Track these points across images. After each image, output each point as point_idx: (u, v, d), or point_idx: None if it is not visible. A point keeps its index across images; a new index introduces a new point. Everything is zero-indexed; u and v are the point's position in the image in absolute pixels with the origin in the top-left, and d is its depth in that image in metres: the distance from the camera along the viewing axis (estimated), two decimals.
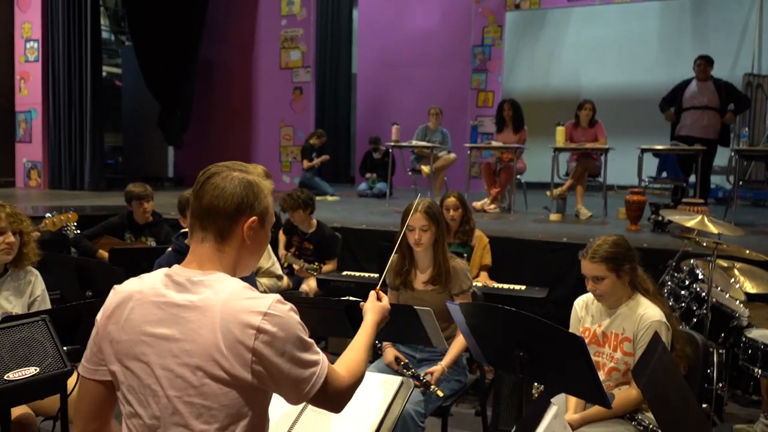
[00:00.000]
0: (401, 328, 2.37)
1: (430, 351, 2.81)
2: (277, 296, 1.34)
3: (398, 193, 7.83)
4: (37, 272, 2.61)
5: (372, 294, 1.78)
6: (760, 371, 2.90)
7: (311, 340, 1.35)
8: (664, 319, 2.27)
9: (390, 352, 2.80)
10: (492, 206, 6.67)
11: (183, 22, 8.92)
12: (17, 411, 2.10)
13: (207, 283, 1.33)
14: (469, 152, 6.91)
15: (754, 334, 2.98)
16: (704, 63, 6.28)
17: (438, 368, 2.64)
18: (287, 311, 1.32)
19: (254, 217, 1.41)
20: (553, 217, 6.11)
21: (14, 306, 2.50)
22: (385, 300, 1.77)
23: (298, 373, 1.32)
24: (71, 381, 1.98)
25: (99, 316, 1.41)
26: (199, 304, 1.31)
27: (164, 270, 1.40)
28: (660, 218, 5.02)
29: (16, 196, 7.65)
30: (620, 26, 10.52)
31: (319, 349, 1.37)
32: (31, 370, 1.61)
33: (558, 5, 9.74)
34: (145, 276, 1.43)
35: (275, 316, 1.29)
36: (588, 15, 10.59)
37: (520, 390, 3.44)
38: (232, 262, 1.40)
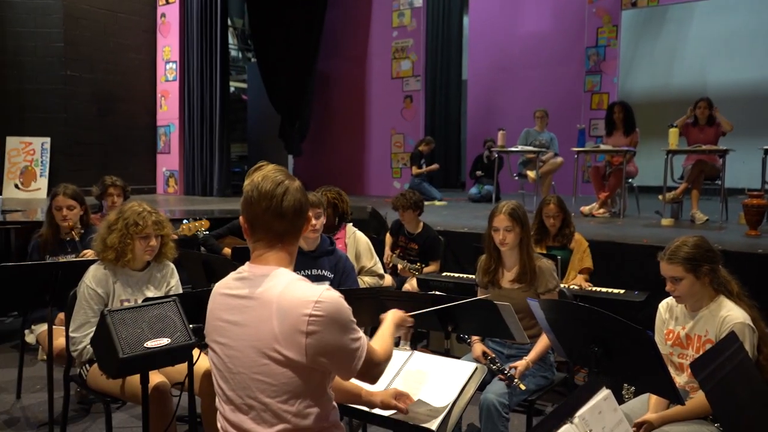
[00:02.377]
0: (484, 321, 2.53)
1: (518, 347, 2.93)
2: (326, 285, 1.56)
3: (505, 198, 7.81)
4: (173, 266, 3.04)
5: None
6: None
7: (354, 320, 1.55)
8: (749, 321, 2.25)
9: (478, 346, 2.95)
10: (601, 211, 6.55)
11: (302, 39, 9.51)
12: (154, 378, 2.50)
13: (268, 278, 1.56)
14: (576, 156, 6.83)
15: None
16: None
17: (522, 363, 2.75)
18: (336, 298, 1.53)
19: (310, 214, 1.70)
20: (665, 222, 5.91)
21: (154, 294, 2.93)
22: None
23: (348, 351, 1.52)
24: (196, 354, 2.34)
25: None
26: (259, 295, 1.55)
27: (240, 267, 1.67)
28: None
29: (157, 201, 8.56)
30: (751, 17, 9.84)
31: (359, 330, 1.58)
32: (164, 341, 1.96)
33: (679, 0, 9.31)
34: (226, 278, 1.71)
35: (324, 303, 1.49)
36: (714, 7, 9.99)
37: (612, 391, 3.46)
38: (290, 253, 1.65)
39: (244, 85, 11.92)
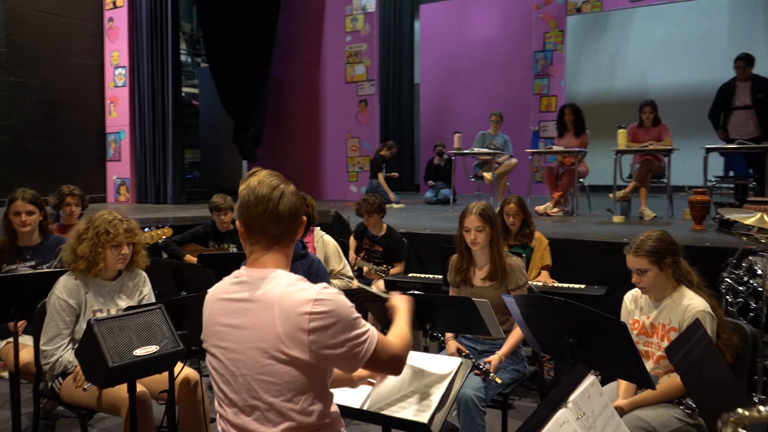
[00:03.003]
0: (462, 319, 2.61)
1: (491, 343, 3.03)
2: (324, 284, 1.60)
3: (462, 200, 8.03)
4: (145, 274, 3.01)
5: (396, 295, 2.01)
6: None
7: (359, 314, 1.60)
8: (709, 309, 2.41)
9: (452, 344, 3.04)
10: (555, 210, 6.77)
11: (255, 43, 9.46)
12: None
13: (267, 280, 1.60)
14: (530, 157, 7.03)
15: None
16: (744, 63, 6.24)
17: (496, 357, 2.85)
18: (335, 294, 1.58)
19: (305, 218, 1.73)
20: (616, 219, 6.16)
21: (126, 304, 2.89)
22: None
23: (350, 345, 1.56)
24: (178, 366, 2.33)
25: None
26: (260, 298, 1.58)
27: (235, 272, 1.70)
28: (726, 218, 5.02)
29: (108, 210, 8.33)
30: (687, 24, 10.35)
31: (366, 322, 1.62)
32: (153, 348, 1.96)
33: (621, 6, 9.69)
34: (221, 282, 1.74)
35: (324, 300, 1.54)
36: (653, 14, 10.47)
37: None
38: (287, 255, 1.68)
39: (194, 91, 11.74)
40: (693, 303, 2.43)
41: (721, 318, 2.46)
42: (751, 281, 3.36)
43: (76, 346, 2.77)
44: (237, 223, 1.69)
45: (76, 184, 4.71)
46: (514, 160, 7.49)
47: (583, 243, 4.83)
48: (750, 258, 3.57)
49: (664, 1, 9.31)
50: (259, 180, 1.65)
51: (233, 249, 4.91)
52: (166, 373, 2.28)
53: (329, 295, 1.56)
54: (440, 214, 7.18)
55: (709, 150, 6.04)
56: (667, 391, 2.39)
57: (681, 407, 2.41)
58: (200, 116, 11.43)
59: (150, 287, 3.04)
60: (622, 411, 2.40)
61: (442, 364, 2.06)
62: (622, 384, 2.55)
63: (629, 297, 2.68)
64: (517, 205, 4.31)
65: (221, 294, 1.68)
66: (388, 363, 1.66)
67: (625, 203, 6.46)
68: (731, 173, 6.85)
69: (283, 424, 1.56)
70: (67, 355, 2.74)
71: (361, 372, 1.91)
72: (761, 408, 1.22)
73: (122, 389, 2.46)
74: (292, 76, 10.24)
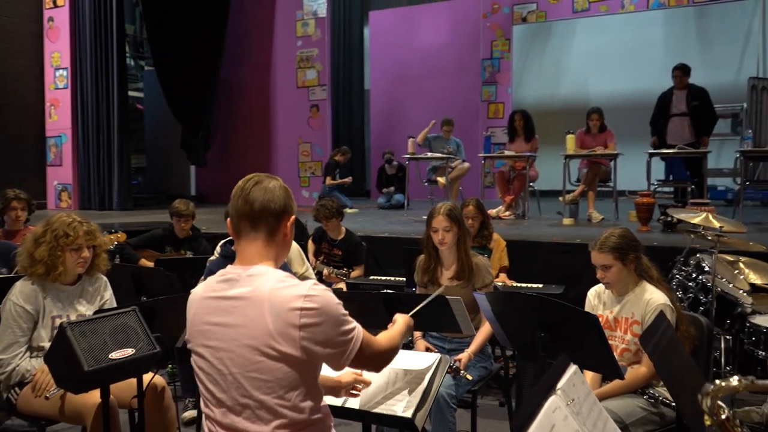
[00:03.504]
0: (434, 316, 2.64)
1: (458, 342, 3.08)
2: (314, 280, 1.63)
3: (415, 205, 8.12)
4: (105, 279, 2.92)
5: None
6: (763, 353, 3.13)
7: (346, 312, 1.62)
8: (669, 303, 2.53)
9: (421, 343, 3.07)
10: (507, 213, 6.93)
11: (203, 45, 9.31)
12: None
13: (255, 277, 1.59)
14: (483, 162, 7.18)
15: (758, 320, 3.22)
16: (680, 73, 6.59)
17: (465, 354, 2.90)
18: (324, 291, 1.59)
19: (293, 216, 1.71)
20: (566, 221, 6.36)
21: (87, 309, 2.79)
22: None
23: (340, 340, 1.58)
24: (146, 377, 2.28)
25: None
26: (249, 295, 1.57)
27: (221, 270, 1.69)
28: (669, 218, 5.26)
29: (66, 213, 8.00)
30: (625, 35, 10.78)
31: (353, 319, 1.64)
32: (129, 351, 1.91)
33: (563, 17, 10.03)
34: (208, 279, 1.73)
35: (314, 296, 1.55)
36: (593, 25, 10.86)
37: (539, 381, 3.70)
38: (276, 255, 1.68)
39: (139, 94, 11.45)
40: (654, 297, 2.54)
41: (680, 311, 2.58)
42: (700, 277, 3.54)
43: (35, 354, 2.67)
44: (227, 221, 1.68)
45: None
46: (466, 164, 7.62)
47: (538, 244, 4.97)
48: (698, 255, 3.76)
49: (604, 13, 9.67)
50: (248, 179, 1.67)
51: (190, 255, 4.81)
52: (131, 381, 2.23)
53: (319, 292, 1.56)
54: (395, 218, 7.23)
55: (651, 155, 6.32)
56: (631, 382, 2.49)
57: (645, 397, 2.52)
58: (145, 120, 11.15)
59: (111, 292, 2.95)
60: None
61: (421, 361, 2.09)
62: (587, 377, 2.64)
63: (593, 293, 2.78)
64: (475, 207, 4.39)
65: (208, 293, 1.66)
66: (371, 359, 1.69)
67: (573, 206, 6.67)
68: (671, 177, 7.17)
69: (275, 422, 1.55)
70: (25, 364, 2.63)
71: (345, 377, 1.92)
72: (735, 378, 1.31)
73: (87, 397, 2.38)
74: (242, 79, 10.12)
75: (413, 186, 8.24)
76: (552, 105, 11.22)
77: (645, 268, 2.63)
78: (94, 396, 2.31)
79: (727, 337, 3.39)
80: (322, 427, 1.64)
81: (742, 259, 3.94)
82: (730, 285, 3.49)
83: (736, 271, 3.77)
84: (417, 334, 3.13)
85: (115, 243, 4.51)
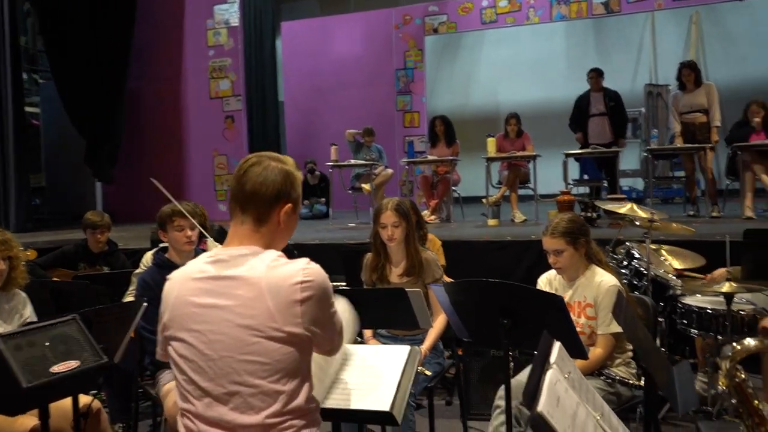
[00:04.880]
0: (389, 312, 2.57)
1: (411, 339, 3.02)
2: (307, 258, 1.54)
3: (338, 214, 8.03)
4: (24, 294, 2.64)
5: None
6: (695, 332, 3.29)
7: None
8: (619, 284, 2.59)
9: (372, 342, 2.99)
10: (432, 217, 6.98)
11: (106, 56, 8.82)
12: (27, 422, 2.14)
13: (248, 256, 1.51)
14: (407, 167, 7.21)
15: (688, 300, 3.38)
16: (595, 75, 6.98)
17: (422, 349, 2.84)
18: (319, 267, 1.53)
19: (290, 204, 1.60)
20: (491, 222, 6.48)
21: (3, 329, 2.51)
22: None
23: (334, 322, 1.54)
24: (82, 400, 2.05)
25: (161, 306, 1.58)
26: (245, 275, 1.48)
27: (207, 253, 1.59)
28: (590, 214, 5.48)
29: None
30: (531, 46, 11.27)
31: None
32: (73, 364, 1.70)
33: (473, 28, 10.32)
34: (188, 263, 1.61)
35: (312, 270, 1.50)
36: (500, 36, 11.27)
37: (488, 377, 3.72)
38: (266, 242, 1.58)
39: (34, 110, 10.67)
40: (605, 279, 2.60)
41: (627, 292, 2.66)
42: (633, 262, 3.68)
43: None
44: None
45: None
46: (389, 171, 7.65)
47: (470, 243, 5.02)
48: (627, 244, 3.92)
49: (510, 24, 10.04)
50: (251, 160, 1.60)
51: (107, 271, 4.48)
52: (64, 405, 2.01)
53: (314, 266, 1.52)
54: (321, 227, 7.12)
55: (568, 155, 6.58)
56: (588, 364, 2.52)
57: (601, 378, 2.56)
58: (42, 137, 10.39)
59: (32, 309, 2.67)
60: None
61: (392, 354, 2.01)
62: None
63: (543, 280, 2.81)
64: (410, 208, 4.36)
65: (194, 273, 1.53)
66: (339, 340, 1.65)
67: (496, 208, 6.82)
68: (585, 177, 7.50)
69: (269, 409, 1.44)
70: None
71: None
72: (751, 340, 1.33)
73: (15, 423, 2.12)
74: (152, 91, 9.66)
75: (336, 195, 8.16)
76: (464, 114, 11.48)
77: (594, 252, 2.69)
78: (25, 422, 2.06)
79: (660, 319, 3.53)
80: (315, 418, 1.53)
81: (664, 247, 4.15)
82: (661, 270, 3.65)
83: (661, 258, 3.95)
84: (368, 333, 3.05)
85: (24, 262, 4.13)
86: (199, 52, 9.39)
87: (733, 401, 1.37)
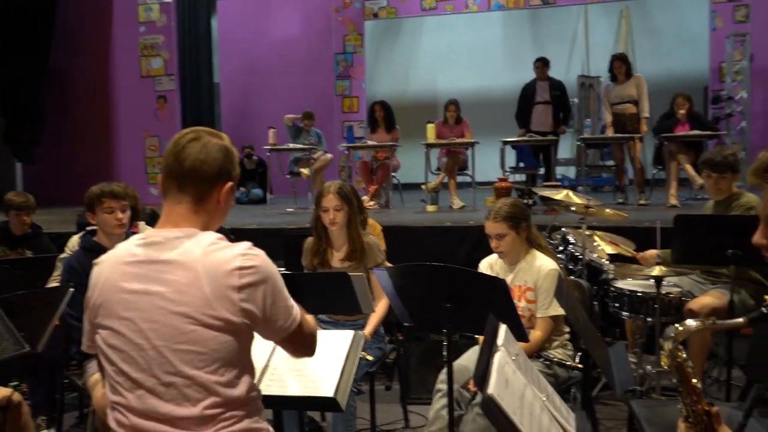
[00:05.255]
0: (331, 297, 2.53)
1: (351, 324, 2.99)
2: (249, 243, 1.46)
3: (275, 199, 7.89)
4: None
5: None
6: (626, 314, 3.40)
7: (282, 281, 1.48)
8: (558, 268, 2.64)
9: None
10: (371, 203, 6.95)
11: (28, 31, 8.32)
12: None
13: (183, 239, 1.42)
14: (346, 152, 7.15)
15: (620, 284, 3.49)
16: (541, 64, 7.13)
17: (365, 334, 2.81)
18: (262, 252, 1.45)
19: (231, 183, 1.52)
20: (430, 208, 6.53)
21: None
22: None
23: (282, 305, 1.45)
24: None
25: (87, 292, 1.49)
26: (180, 259, 1.39)
27: (138, 235, 1.49)
28: (526, 201, 5.59)
29: None
30: (469, 35, 11.36)
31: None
32: None
33: (412, 14, 10.30)
34: (118, 245, 1.51)
35: (253, 256, 1.41)
36: (440, 24, 11.31)
37: (427, 361, 3.74)
38: (204, 223, 1.49)
39: None
40: (545, 263, 2.64)
41: (565, 276, 2.71)
42: (569, 247, 3.77)
43: None
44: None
45: None
46: (329, 155, 7.56)
47: (410, 229, 5.02)
48: (562, 229, 4.01)
49: (450, 12, 10.08)
50: (185, 134, 1.50)
51: (29, 255, 4.23)
52: None
53: (257, 251, 1.43)
54: (259, 212, 6.98)
55: (505, 143, 6.69)
56: (528, 347, 2.55)
57: (540, 360, 2.60)
58: None
59: None
60: None
61: (334, 339, 1.97)
62: None
63: (485, 264, 2.83)
64: (350, 192, 4.32)
65: (124, 257, 1.43)
66: (309, 340, 1.56)
67: (435, 194, 6.86)
68: (521, 165, 7.65)
69: (205, 401, 1.36)
70: None
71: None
72: (692, 321, 1.38)
73: None
74: (79, 68, 9.16)
75: (274, 180, 8.01)
76: (403, 100, 11.47)
77: (534, 236, 2.73)
78: None
79: (594, 302, 3.63)
80: (256, 407, 1.47)
81: (597, 233, 4.27)
82: (594, 255, 3.76)
83: (595, 243, 4.07)
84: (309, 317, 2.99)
85: None
86: (129, 28, 8.98)
87: (674, 380, 1.41)
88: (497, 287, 2.14)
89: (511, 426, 1.16)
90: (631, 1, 10.28)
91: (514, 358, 1.44)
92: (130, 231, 3.03)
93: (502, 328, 1.58)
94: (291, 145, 7.18)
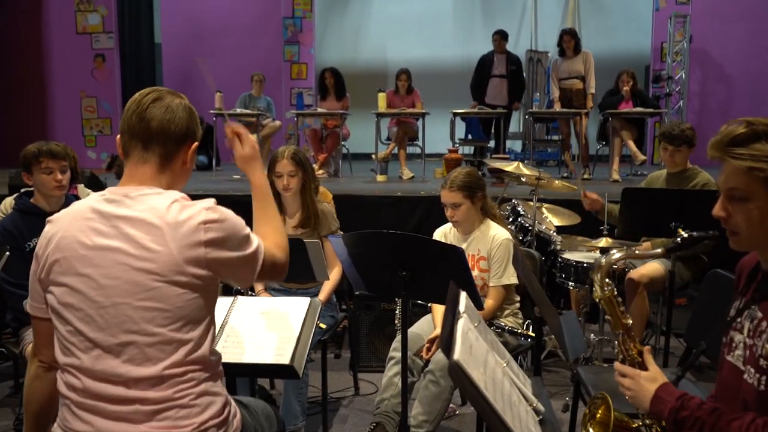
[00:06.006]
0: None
1: (303, 292, 2.96)
2: (213, 199, 1.43)
3: (223, 165, 7.69)
4: None
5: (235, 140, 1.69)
6: (572, 284, 3.49)
7: (246, 226, 1.47)
8: (511, 238, 2.67)
9: (264, 294, 2.89)
10: (320, 171, 6.86)
11: None
12: None
13: (147, 196, 1.38)
14: (295, 119, 7.02)
15: (567, 255, 3.57)
16: (499, 37, 7.15)
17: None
18: (226, 209, 1.43)
19: (196, 143, 1.50)
20: (380, 178, 6.50)
21: None
22: (250, 140, 1.71)
23: (248, 251, 1.43)
24: None
25: (37, 249, 1.42)
26: (143, 216, 1.35)
27: (98, 193, 1.43)
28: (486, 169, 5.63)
29: None
30: (420, 4, 11.26)
31: (251, 233, 1.48)
32: None
33: None
34: (74, 203, 1.46)
35: (216, 209, 1.40)
36: None
37: (377, 329, 3.75)
38: (169, 183, 1.46)
39: None
40: (499, 233, 2.67)
41: (518, 246, 2.75)
42: (519, 219, 3.82)
43: None
44: (117, 138, 1.45)
45: None
46: (277, 123, 7.41)
47: (362, 198, 4.99)
48: (513, 201, 4.06)
49: None
50: (145, 92, 1.45)
51: None
52: None
53: (220, 207, 1.41)
54: (204, 178, 6.79)
55: (455, 114, 6.70)
56: (481, 314, 2.58)
57: (492, 327, 2.63)
58: None
59: None
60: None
61: (292, 306, 1.94)
62: (438, 314, 2.70)
63: (439, 234, 2.83)
64: (304, 157, 4.25)
65: (85, 213, 1.37)
66: (276, 270, 1.55)
67: (384, 164, 6.84)
68: (470, 137, 7.69)
69: (166, 361, 1.32)
70: None
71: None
72: (615, 251, 1.51)
73: None
74: (7, 24, 8.60)
75: (220, 146, 7.80)
76: (353, 68, 11.28)
77: (489, 206, 2.75)
78: None
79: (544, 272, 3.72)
80: (217, 371, 1.44)
81: (544, 205, 4.35)
82: (543, 226, 3.83)
83: (543, 215, 4.15)
84: (258, 286, 2.94)
85: None
86: None
87: (607, 317, 1.52)
88: (455, 255, 2.14)
89: (477, 391, 1.16)
90: None
91: (476, 324, 1.45)
92: (70, 194, 2.89)
93: (463, 295, 1.58)
94: (238, 110, 6.98)
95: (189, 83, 10.38)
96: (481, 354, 1.35)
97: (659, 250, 1.53)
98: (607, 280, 1.52)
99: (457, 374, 1.16)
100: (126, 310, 1.31)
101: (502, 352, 1.58)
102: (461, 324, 1.38)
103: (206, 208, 1.38)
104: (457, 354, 1.20)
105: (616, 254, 1.54)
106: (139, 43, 10.90)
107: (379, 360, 3.65)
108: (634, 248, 1.61)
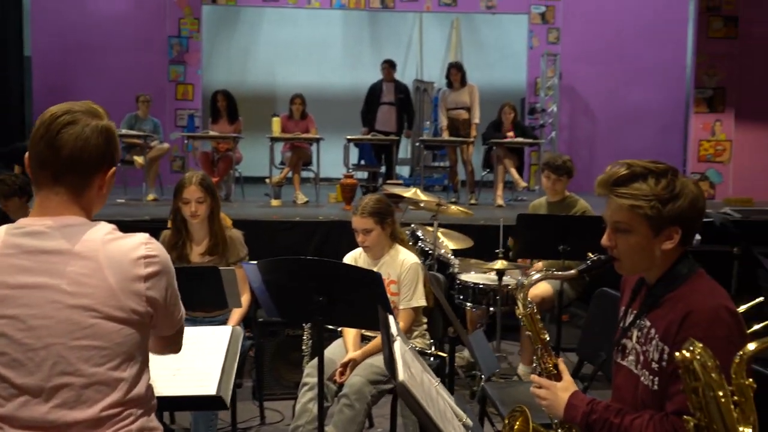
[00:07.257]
0: (197, 292, 2.42)
1: (210, 320, 2.90)
2: (147, 234, 1.40)
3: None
4: None
5: None
6: (470, 305, 3.68)
7: None
8: (419, 262, 2.79)
9: None
10: None
11: None
12: None
13: (75, 227, 1.31)
14: (186, 141, 6.83)
15: (464, 276, 3.76)
16: (388, 66, 7.42)
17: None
18: (160, 244, 1.41)
19: (113, 168, 1.41)
20: (274, 203, 6.46)
21: None
22: None
23: (177, 295, 1.43)
24: None
25: None
26: (76, 249, 1.28)
27: (9, 225, 1.34)
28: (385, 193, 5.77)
29: None
30: (309, 30, 11.36)
31: None
32: None
33: (252, 4, 10.10)
34: None
35: (155, 245, 1.37)
36: (280, 16, 11.16)
37: (281, 356, 3.73)
38: (86, 206, 1.38)
39: None
40: (407, 257, 2.78)
41: (425, 270, 2.87)
42: (419, 244, 3.97)
43: None
44: (25, 158, 1.34)
45: None
46: (166, 145, 7.16)
47: (259, 223, 4.95)
48: (412, 226, 4.21)
49: (292, 5, 10.03)
50: (55, 110, 1.33)
51: None
52: None
53: (156, 242, 1.38)
54: None
55: (350, 140, 6.83)
56: None
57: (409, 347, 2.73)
58: None
59: None
60: (356, 362, 2.59)
61: (214, 335, 1.91)
62: (349, 338, 2.75)
63: (349, 258, 2.89)
64: (212, 183, 4.17)
65: (2, 249, 1.27)
66: (175, 344, 1.54)
67: (278, 188, 6.80)
68: (362, 163, 7.86)
69: (104, 401, 1.26)
70: None
71: None
72: (535, 273, 1.67)
73: None
74: None
75: None
76: (241, 91, 11.13)
77: (397, 232, 2.85)
78: None
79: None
80: (152, 405, 1.39)
81: (440, 229, 4.55)
82: (442, 250, 4.00)
83: (440, 240, 4.33)
84: None
85: None
86: None
87: (527, 333, 1.70)
88: (373, 280, 2.21)
89: (422, 410, 1.23)
90: (461, 14, 10.98)
91: (409, 347, 1.52)
92: None
93: (392, 319, 1.65)
94: (124, 131, 6.67)
95: (62, 98, 9.65)
96: (417, 374, 1.42)
97: (573, 271, 1.69)
98: (529, 299, 1.66)
99: (404, 394, 1.22)
100: (60, 351, 1.24)
101: (430, 372, 1.66)
102: (397, 346, 1.45)
103: (144, 243, 1.34)
104: (401, 375, 1.26)
105: (536, 275, 1.69)
106: (6, 56, 10.12)
107: (284, 387, 3.62)
108: (552, 270, 1.78)
